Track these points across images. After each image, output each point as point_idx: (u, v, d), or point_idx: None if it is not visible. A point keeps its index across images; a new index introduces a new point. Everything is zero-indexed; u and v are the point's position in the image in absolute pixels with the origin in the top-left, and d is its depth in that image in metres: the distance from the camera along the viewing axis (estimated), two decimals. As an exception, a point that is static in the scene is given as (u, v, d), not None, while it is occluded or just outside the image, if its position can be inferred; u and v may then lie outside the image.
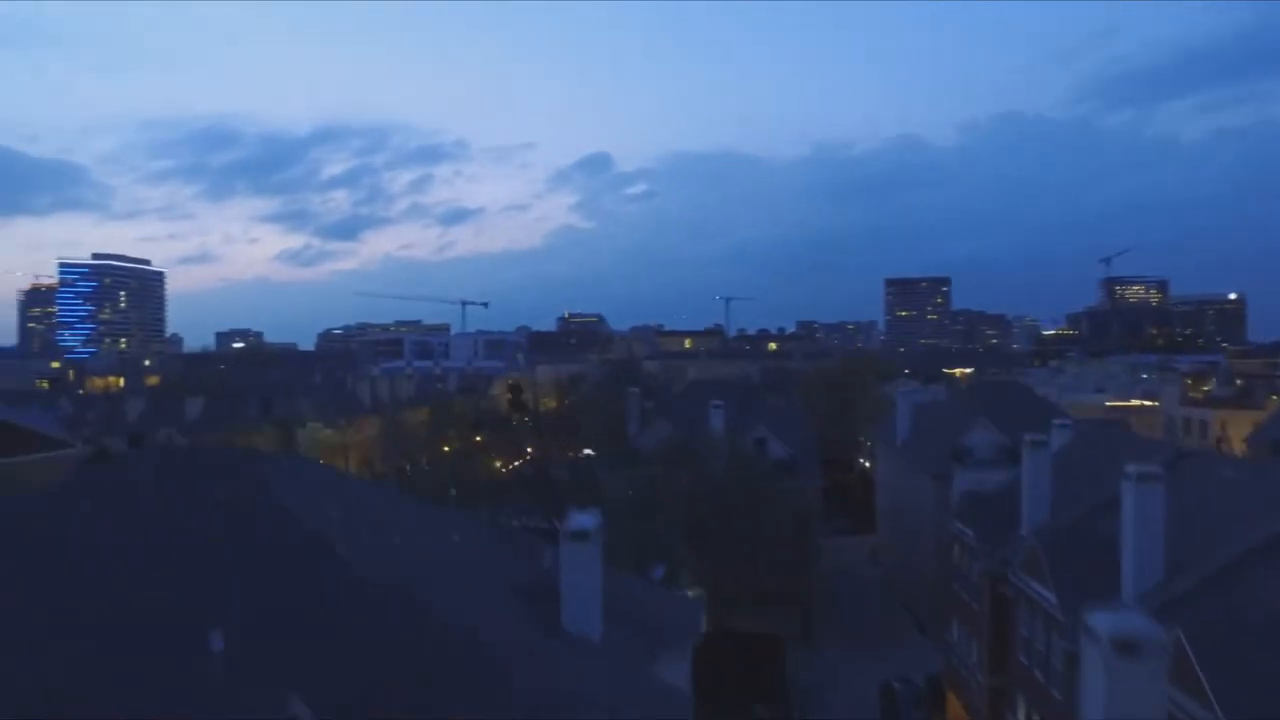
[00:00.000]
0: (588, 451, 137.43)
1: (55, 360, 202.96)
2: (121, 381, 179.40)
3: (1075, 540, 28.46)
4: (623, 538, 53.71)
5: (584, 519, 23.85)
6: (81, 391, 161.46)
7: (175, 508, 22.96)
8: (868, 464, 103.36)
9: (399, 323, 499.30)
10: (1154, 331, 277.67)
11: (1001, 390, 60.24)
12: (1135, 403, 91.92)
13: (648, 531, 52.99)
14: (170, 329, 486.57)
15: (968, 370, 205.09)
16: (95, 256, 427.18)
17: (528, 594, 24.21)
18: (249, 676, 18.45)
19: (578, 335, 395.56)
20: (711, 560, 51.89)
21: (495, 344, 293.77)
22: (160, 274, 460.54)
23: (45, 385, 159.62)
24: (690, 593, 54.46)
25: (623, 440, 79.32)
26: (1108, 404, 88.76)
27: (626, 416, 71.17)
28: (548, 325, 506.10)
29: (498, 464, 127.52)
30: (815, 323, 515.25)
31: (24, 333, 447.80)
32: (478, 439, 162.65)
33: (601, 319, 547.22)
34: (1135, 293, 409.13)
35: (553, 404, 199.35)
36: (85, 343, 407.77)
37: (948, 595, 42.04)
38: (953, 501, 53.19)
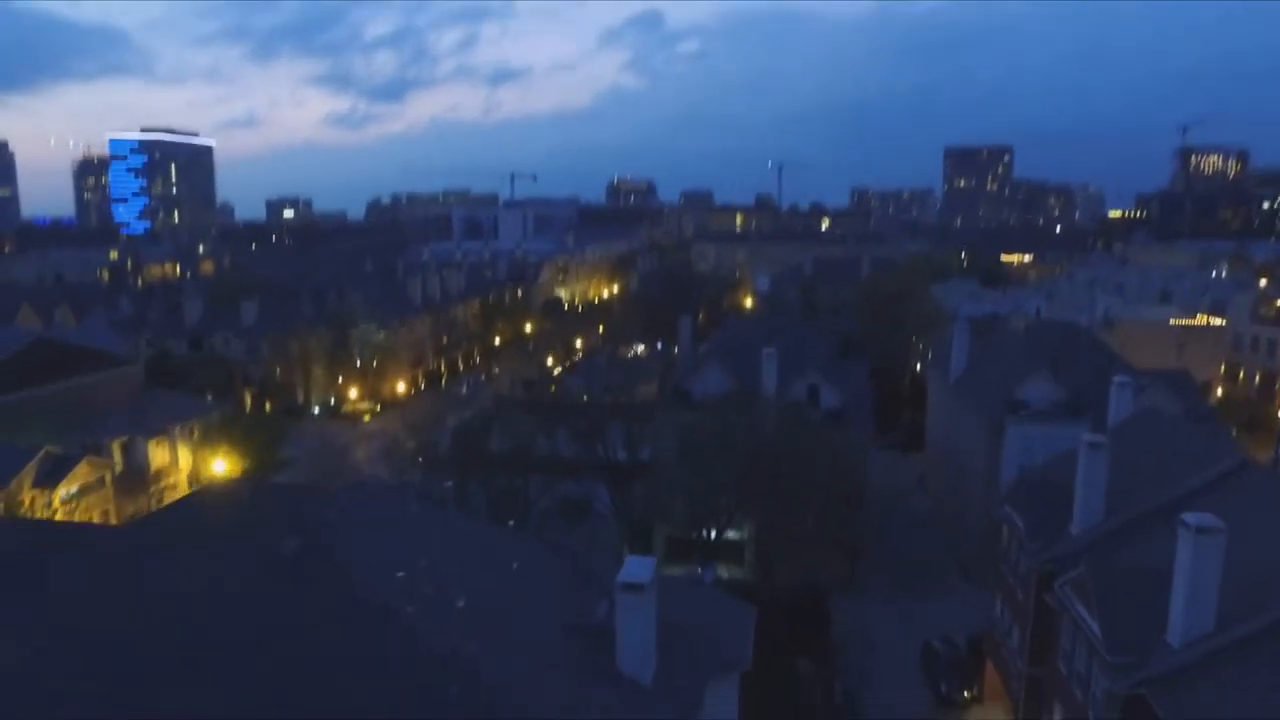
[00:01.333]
0: (639, 348, 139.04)
1: (113, 248, 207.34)
2: (178, 269, 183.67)
3: (1125, 569, 28.42)
4: (673, 484, 55.00)
5: (638, 569, 24.45)
6: (140, 282, 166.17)
7: (239, 567, 24.03)
8: (919, 367, 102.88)
9: (447, 192, 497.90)
10: (1229, 214, 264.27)
11: (1062, 336, 58.61)
12: (1201, 319, 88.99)
13: (697, 478, 54.12)
14: (221, 196, 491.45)
15: (1027, 257, 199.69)
16: (144, 130, 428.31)
17: (584, 634, 25.19)
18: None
19: (627, 211, 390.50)
20: (761, 510, 52.98)
21: (544, 219, 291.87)
22: (209, 147, 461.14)
23: (106, 276, 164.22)
24: (737, 534, 56.16)
25: (672, 364, 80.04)
26: (1172, 321, 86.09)
27: (678, 341, 71.57)
28: (596, 191, 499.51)
29: (548, 361, 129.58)
30: (869, 190, 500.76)
31: (80, 204, 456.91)
32: (528, 328, 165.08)
33: (651, 186, 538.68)
34: (1212, 163, 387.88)
35: (603, 291, 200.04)
36: (139, 216, 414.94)
37: (994, 567, 42.56)
38: (1004, 451, 53.15)
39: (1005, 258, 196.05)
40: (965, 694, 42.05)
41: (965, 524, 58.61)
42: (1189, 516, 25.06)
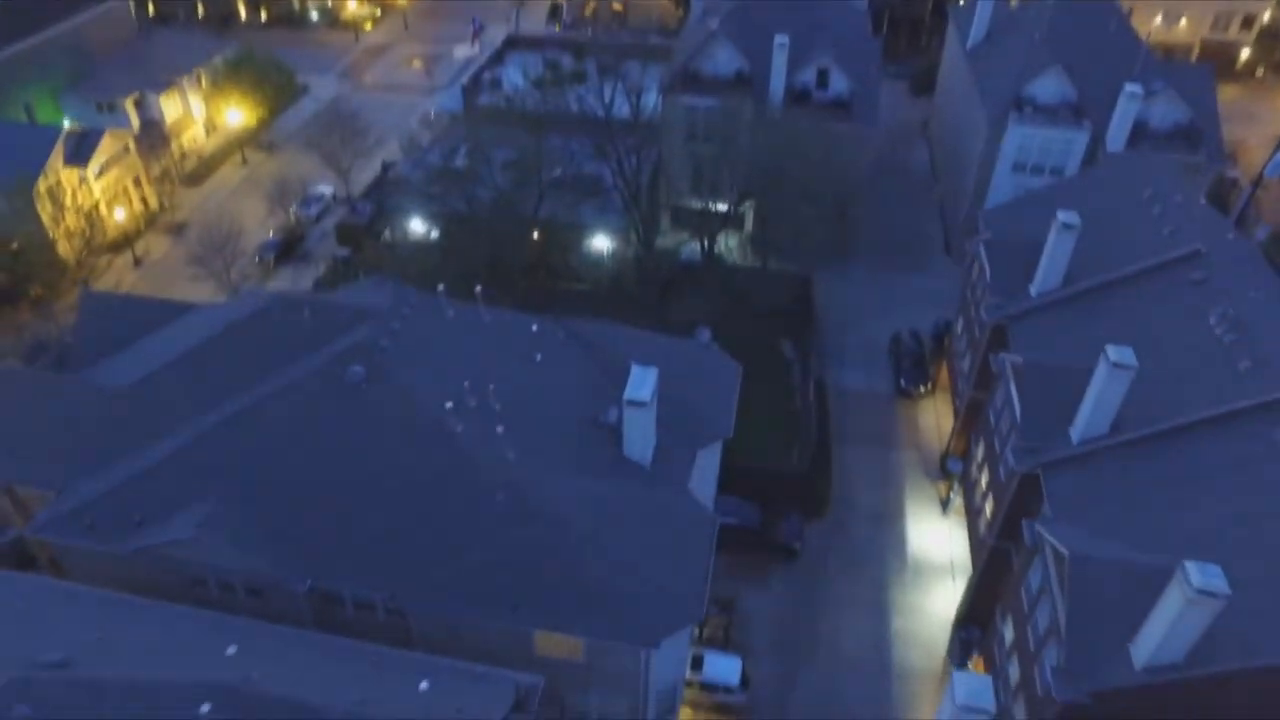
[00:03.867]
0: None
1: None
2: None
3: (1053, 367, 32.97)
4: (679, 162, 57.14)
5: (641, 386, 29.39)
6: None
7: (309, 393, 28.99)
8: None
9: None
10: None
11: (1090, 21, 55.37)
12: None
13: (702, 158, 56.33)
14: None
15: None
16: None
17: (597, 428, 31.08)
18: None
19: None
20: (762, 191, 55.93)
21: None
22: None
23: None
24: (743, 207, 59.22)
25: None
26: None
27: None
28: None
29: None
30: None
31: None
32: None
33: None
34: None
35: None
36: None
37: (963, 294, 46.98)
38: (1003, 146, 54.39)
39: None
40: (920, 389, 49.27)
41: (957, 200, 61.51)
42: (1111, 350, 29.10)
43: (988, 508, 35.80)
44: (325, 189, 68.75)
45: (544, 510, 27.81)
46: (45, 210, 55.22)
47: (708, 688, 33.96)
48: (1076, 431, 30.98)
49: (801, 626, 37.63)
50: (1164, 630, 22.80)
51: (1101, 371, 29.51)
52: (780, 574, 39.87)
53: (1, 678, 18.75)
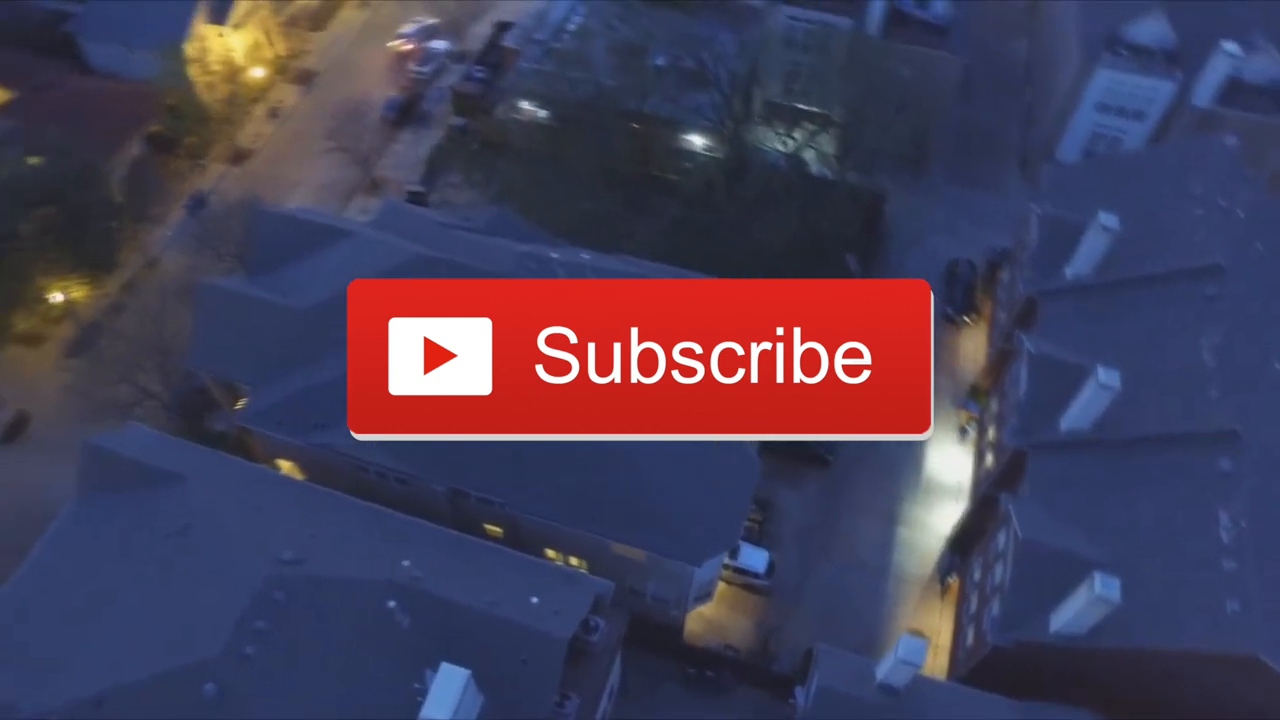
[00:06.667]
0: None
1: None
2: None
3: (1058, 360, 38.43)
4: (777, 71, 60.25)
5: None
6: None
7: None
8: None
9: None
10: None
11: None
12: None
13: (801, 69, 59.37)
14: None
15: None
16: None
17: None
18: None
19: None
20: (848, 114, 59.04)
21: None
22: None
23: None
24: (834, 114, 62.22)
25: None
26: None
27: None
28: None
29: None
30: None
31: None
32: None
33: None
34: None
35: None
36: None
37: (1015, 248, 51.01)
38: (1089, 88, 55.89)
39: None
40: (967, 319, 54.50)
41: (1039, 118, 63.08)
42: (1101, 371, 34.79)
43: (989, 458, 42.91)
44: (441, 45, 72.93)
45: (621, 448, 35.94)
46: (197, 74, 61.87)
47: (740, 572, 43.47)
48: (1064, 422, 37.31)
49: (824, 527, 46.44)
50: (1072, 613, 30.71)
51: (1090, 386, 35.41)
52: (813, 479, 48.17)
53: (263, 572, 28.59)
